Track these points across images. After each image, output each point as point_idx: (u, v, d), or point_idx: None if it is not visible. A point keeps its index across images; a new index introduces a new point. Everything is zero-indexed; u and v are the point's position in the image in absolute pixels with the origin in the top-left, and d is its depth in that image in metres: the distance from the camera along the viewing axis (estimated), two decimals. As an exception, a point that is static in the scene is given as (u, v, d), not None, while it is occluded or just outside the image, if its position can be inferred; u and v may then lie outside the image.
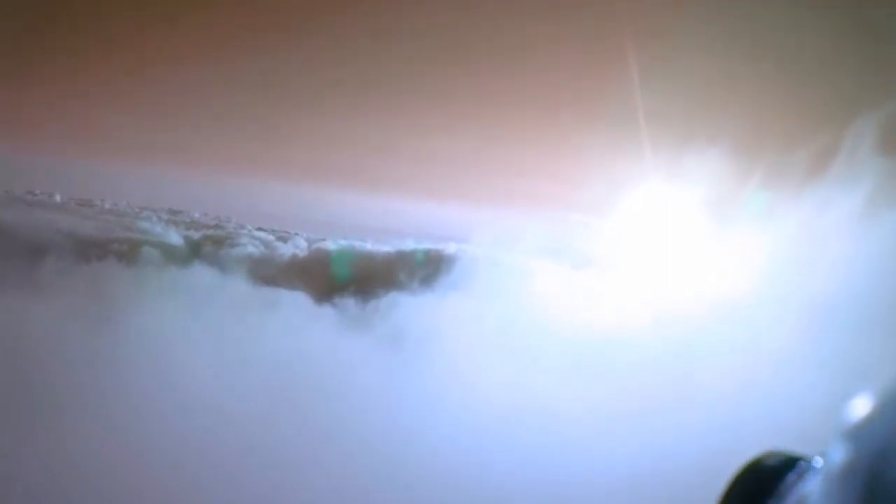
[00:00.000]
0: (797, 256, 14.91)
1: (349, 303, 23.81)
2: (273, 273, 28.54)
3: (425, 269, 24.85)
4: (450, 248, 26.66)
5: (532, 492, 11.77)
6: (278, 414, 13.81)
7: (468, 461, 12.68)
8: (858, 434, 0.68)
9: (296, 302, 24.07)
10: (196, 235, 34.30)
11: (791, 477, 0.93)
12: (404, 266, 26.31)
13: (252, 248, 32.68)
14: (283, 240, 33.98)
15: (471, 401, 14.06)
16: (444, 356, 16.29)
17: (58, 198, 37.67)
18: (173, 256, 28.79)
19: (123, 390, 13.03)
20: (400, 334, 18.83)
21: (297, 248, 32.89)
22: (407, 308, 22.31)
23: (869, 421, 0.68)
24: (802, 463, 0.94)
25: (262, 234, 34.78)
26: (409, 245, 28.64)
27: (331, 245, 32.56)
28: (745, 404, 12.27)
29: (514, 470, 12.41)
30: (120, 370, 13.72)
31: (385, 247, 29.32)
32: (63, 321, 15.18)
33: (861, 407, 0.69)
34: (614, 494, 11.28)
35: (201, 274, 24.28)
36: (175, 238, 33.57)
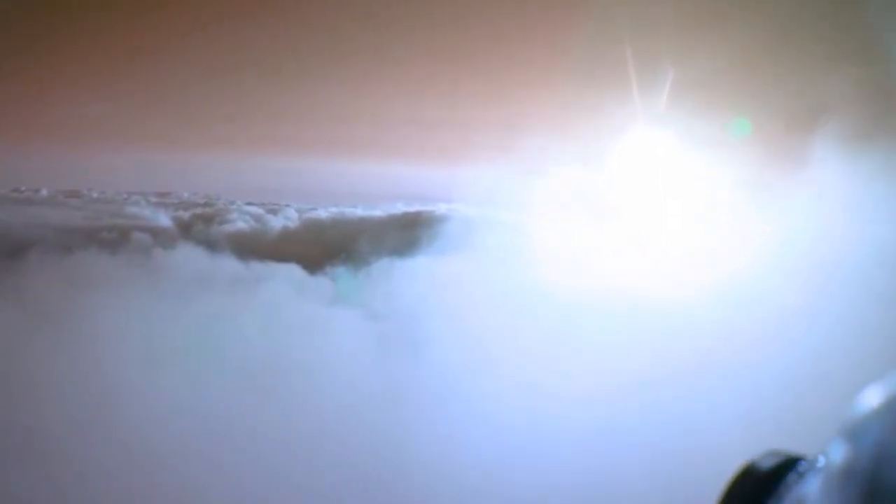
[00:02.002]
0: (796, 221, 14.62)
1: (342, 271, 23.58)
2: (265, 247, 28.41)
3: (416, 231, 24.61)
4: (440, 208, 26.42)
5: (523, 469, 11.66)
6: (271, 393, 13.64)
7: (467, 435, 12.53)
8: (858, 434, 0.69)
9: (289, 275, 23.88)
10: (186, 216, 34.12)
11: (791, 477, 0.93)
12: (395, 230, 26.11)
13: (242, 224, 32.52)
14: (274, 212, 33.80)
15: (468, 370, 13.82)
16: (439, 322, 16.04)
17: (44, 192, 37.47)
18: (163, 239, 28.61)
19: (107, 379, 12.83)
20: (393, 301, 18.59)
21: (287, 219, 32.72)
22: (400, 273, 22.10)
23: (869, 421, 0.69)
24: (802, 463, 0.94)
25: (252, 209, 34.60)
26: (398, 208, 28.45)
27: (322, 213, 32.39)
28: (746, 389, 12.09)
29: (510, 447, 12.28)
30: (98, 359, 13.49)
31: (375, 211, 29.13)
32: (37, 314, 14.95)
33: (861, 407, 0.70)
34: (607, 484, 11.12)
35: (190, 254, 24.02)
36: (164, 220, 33.41)
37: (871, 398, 0.70)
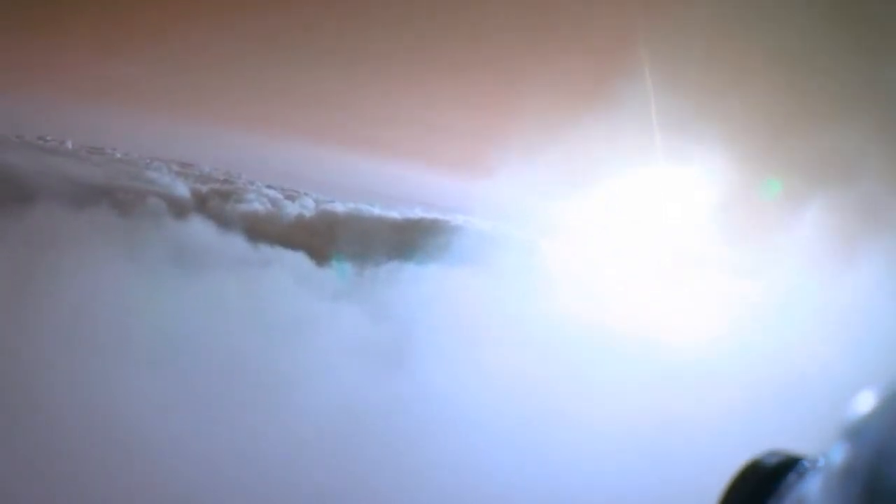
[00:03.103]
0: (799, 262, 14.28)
1: (348, 267, 23.25)
2: (277, 231, 28.18)
3: (429, 238, 24.30)
4: (456, 219, 26.08)
5: (521, 484, 11.25)
6: (247, 391, 13.16)
7: (457, 450, 12.10)
8: (858, 434, 0.69)
9: (295, 263, 23.62)
10: (203, 189, 33.89)
11: (791, 477, 0.93)
12: (409, 234, 25.81)
13: (259, 205, 32.27)
14: (292, 199, 33.51)
15: (462, 384, 13.37)
16: (438, 333, 15.65)
17: (69, 144, 37.37)
18: (177, 208, 28.42)
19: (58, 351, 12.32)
20: (396, 306, 18.24)
21: (304, 207, 32.45)
22: (408, 278, 21.80)
23: (869, 421, 0.69)
24: (802, 463, 0.94)
25: (270, 192, 34.33)
26: (416, 213, 28.12)
27: (339, 207, 32.12)
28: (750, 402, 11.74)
29: (509, 460, 11.86)
30: (58, 326, 12.91)
31: (392, 213, 28.79)
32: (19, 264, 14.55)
33: (861, 407, 0.70)
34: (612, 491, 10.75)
35: (199, 228, 23.79)
36: (182, 190, 33.20)
37: (871, 399, 0.70)
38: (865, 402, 0.70)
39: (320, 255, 25.04)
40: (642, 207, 19.57)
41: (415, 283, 20.76)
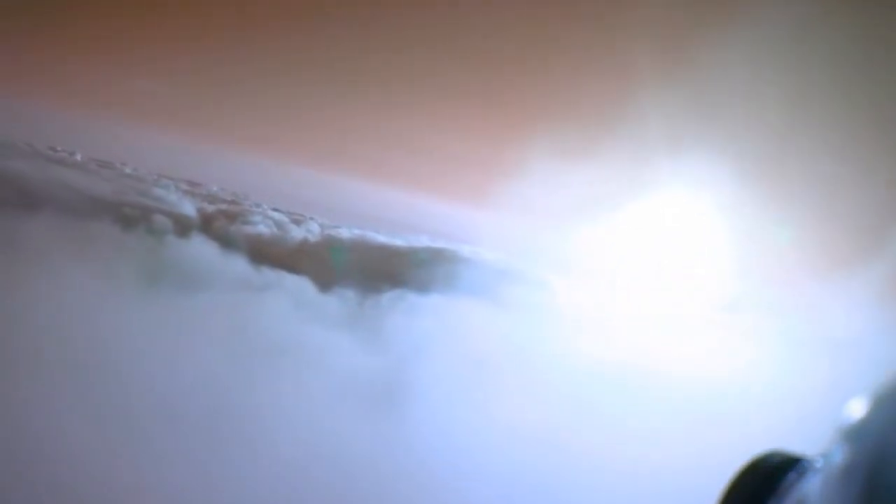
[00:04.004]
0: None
1: (349, 294, 22.81)
2: (281, 255, 27.85)
3: (434, 267, 23.89)
4: (463, 249, 25.67)
5: None
6: (249, 409, 12.61)
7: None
8: (858, 434, 0.70)
9: (297, 288, 23.20)
10: (210, 209, 33.63)
11: (791, 477, 0.92)
12: (414, 262, 25.40)
13: (264, 227, 31.95)
14: (297, 223, 33.21)
15: (457, 431, 12.62)
16: (435, 369, 15.10)
17: (78, 156, 37.26)
18: (182, 226, 28.18)
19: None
20: (395, 337, 17.72)
21: (309, 232, 32.11)
22: (410, 307, 21.36)
23: (868, 421, 0.70)
24: (802, 463, 0.94)
25: (276, 215, 34.06)
26: (422, 241, 27.71)
27: (344, 233, 31.81)
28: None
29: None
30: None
31: (397, 240, 28.41)
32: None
33: (860, 407, 0.71)
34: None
35: (202, 247, 23.43)
36: (188, 208, 32.95)
37: (870, 399, 0.70)
38: (865, 403, 0.70)
39: (323, 281, 24.66)
40: (653, 240, 19.24)
41: (416, 313, 20.32)
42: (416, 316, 20.23)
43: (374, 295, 23.13)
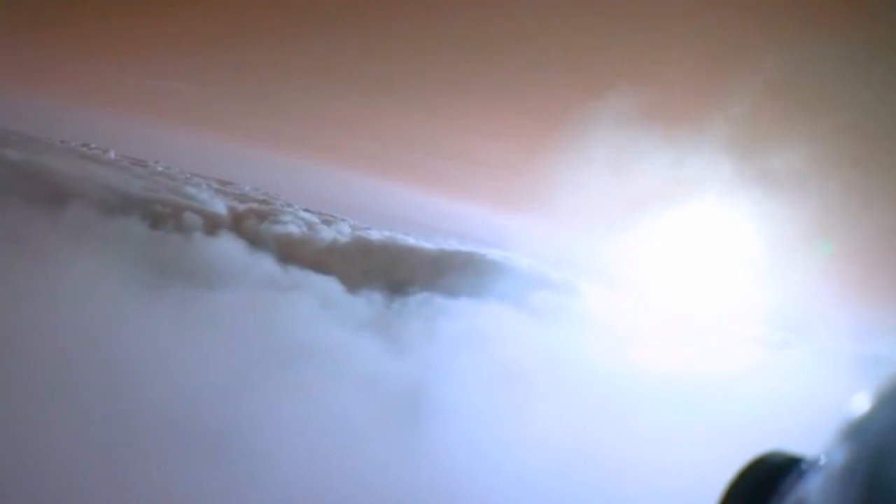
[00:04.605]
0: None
1: (377, 297, 22.39)
2: (309, 255, 27.63)
3: (464, 271, 23.43)
4: (493, 253, 25.18)
5: None
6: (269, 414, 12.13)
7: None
8: (858, 434, 0.70)
9: (324, 289, 22.85)
10: (240, 207, 33.55)
11: (791, 477, 0.92)
12: (443, 266, 24.98)
13: (294, 227, 31.78)
14: (328, 223, 33.03)
15: (484, 445, 11.88)
16: (461, 374, 14.56)
17: (112, 154, 37.47)
18: (211, 224, 28.10)
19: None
20: (423, 341, 17.24)
21: (339, 233, 31.88)
22: (438, 311, 20.90)
23: (868, 421, 0.70)
24: (802, 463, 0.93)
25: (307, 215, 33.92)
26: (452, 245, 27.28)
27: (374, 234, 31.53)
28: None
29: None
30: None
31: (427, 243, 28.00)
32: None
33: (860, 407, 0.70)
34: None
35: (230, 246, 23.20)
36: (219, 207, 32.90)
37: (870, 399, 0.70)
38: (865, 403, 0.69)
39: (351, 282, 24.35)
40: (688, 249, 18.64)
41: (444, 316, 19.85)
42: (443, 319, 19.79)
43: (401, 298, 22.73)
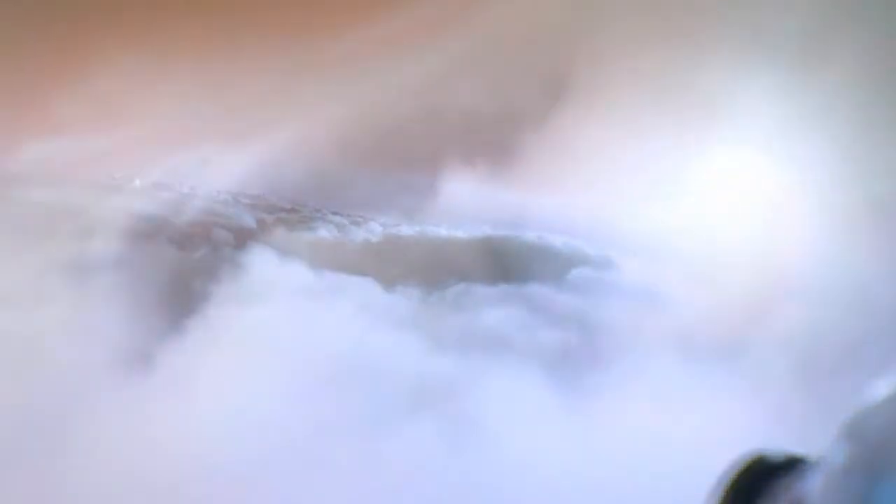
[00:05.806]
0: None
1: (414, 293, 22.00)
2: (343, 257, 27.45)
3: (499, 256, 22.95)
4: (526, 235, 24.65)
5: None
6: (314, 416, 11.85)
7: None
8: (858, 433, 0.70)
9: (361, 291, 22.53)
10: (269, 218, 33.51)
11: (791, 476, 0.89)
12: (478, 253, 24.52)
13: (325, 232, 31.69)
14: (358, 224, 32.87)
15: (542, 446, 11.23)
16: (509, 370, 14.01)
17: (137, 182, 37.56)
18: (241, 238, 28.08)
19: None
20: (461, 333, 16.78)
21: (370, 232, 31.69)
22: (476, 301, 20.46)
23: (869, 420, 0.70)
24: (802, 462, 0.90)
25: (336, 218, 33.80)
26: (483, 231, 26.76)
27: (405, 230, 31.22)
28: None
29: None
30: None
31: (458, 232, 27.54)
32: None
33: (861, 407, 0.70)
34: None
35: (259, 256, 23.01)
36: (248, 220, 32.90)
37: (871, 398, 0.69)
38: (865, 403, 0.68)
39: (387, 280, 24.06)
40: (726, 220, 17.87)
41: (484, 306, 19.37)
42: (483, 308, 19.32)
43: (439, 291, 22.33)
